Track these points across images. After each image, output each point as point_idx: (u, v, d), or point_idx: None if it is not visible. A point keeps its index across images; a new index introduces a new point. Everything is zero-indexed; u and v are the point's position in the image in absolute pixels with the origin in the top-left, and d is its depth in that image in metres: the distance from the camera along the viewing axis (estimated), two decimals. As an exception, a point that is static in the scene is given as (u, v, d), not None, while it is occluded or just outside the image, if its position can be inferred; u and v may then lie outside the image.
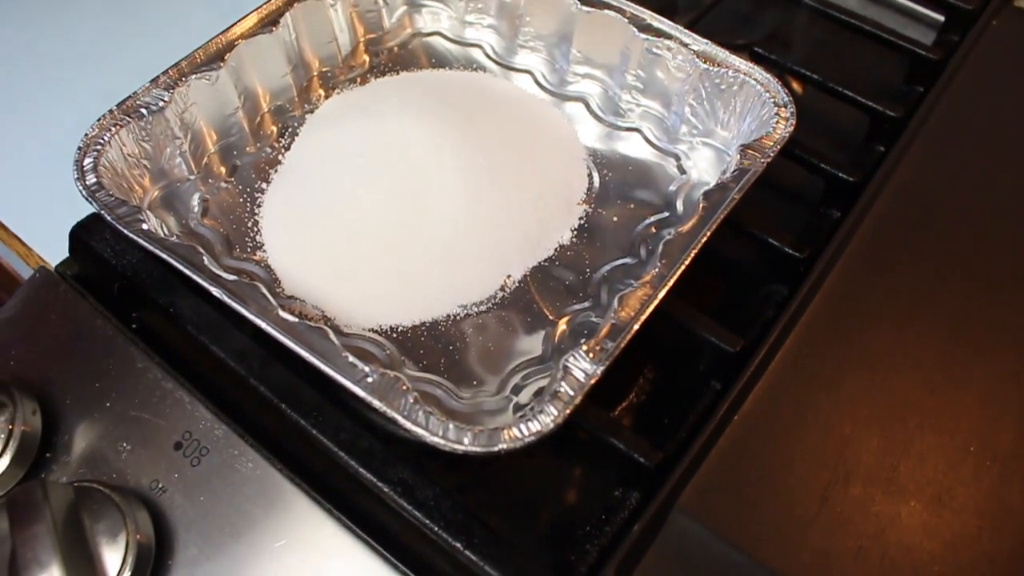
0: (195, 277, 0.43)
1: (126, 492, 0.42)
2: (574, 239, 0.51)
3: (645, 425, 0.48)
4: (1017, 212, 0.53)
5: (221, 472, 0.44)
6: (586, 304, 0.49)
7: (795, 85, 0.65)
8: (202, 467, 0.44)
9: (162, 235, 0.46)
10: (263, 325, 0.41)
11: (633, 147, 0.56)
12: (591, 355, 0.40)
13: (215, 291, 0.42)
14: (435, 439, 0.38)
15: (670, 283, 0.43)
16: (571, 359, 0.40)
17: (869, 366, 0.45)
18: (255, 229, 0.51)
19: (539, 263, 0.50)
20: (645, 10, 0.55)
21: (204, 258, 0.43)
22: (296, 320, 0.41)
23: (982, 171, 0.54)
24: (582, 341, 0.41)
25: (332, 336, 0.41)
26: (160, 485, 0.44)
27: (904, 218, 0.52)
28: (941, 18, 0.68)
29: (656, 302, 0.42)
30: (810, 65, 0.61)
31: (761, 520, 0.41)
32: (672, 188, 0.54)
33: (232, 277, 0.43)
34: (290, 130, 0.55)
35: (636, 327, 0.41)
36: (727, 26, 0.67)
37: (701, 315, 0.47)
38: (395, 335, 0.47)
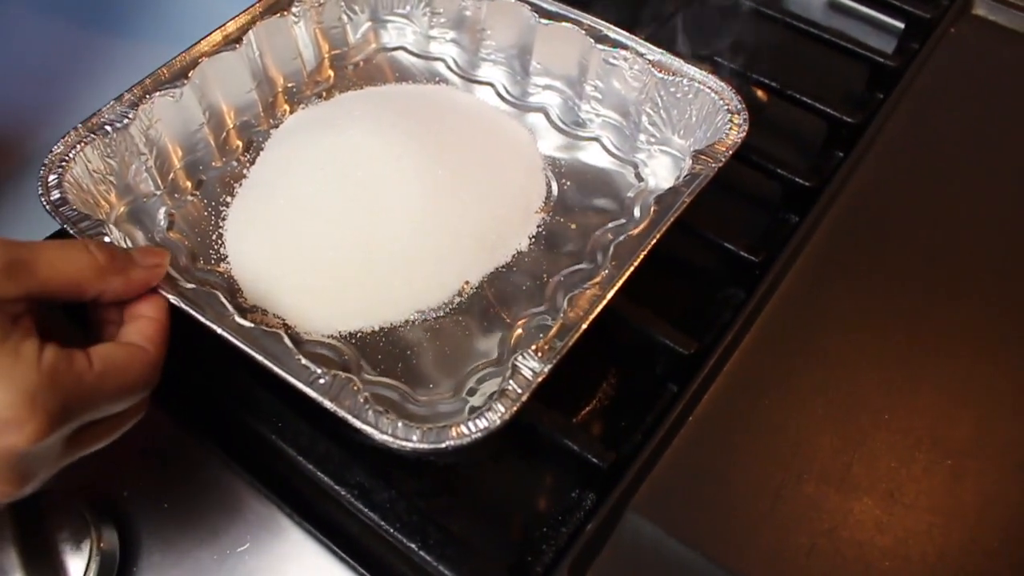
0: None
1: (91, 500, 0.43)
2: (532, 246, 0.52)
3: (607, 429, 0.49)
4: (971, 216, 0.53)
5: (185, 479, 0.45)
6: (542, 308, 0.49)
7: (760, 94, 0.66)
8: (167, 474, 0.46)
9: (126, 247, 0.47)
10: (218, 330, 0.42)
11: (592, 156, 0.57)
12: (539, 354, 0.41)
13: (172, 298, 0.43)
14: (384, 437, 0.38)
15: (619, 283, 0.44)
16: (520, 358, 0.41)
17: (824, 367, 0.46)
18: (219, 242, 0.52)
19: (496, 269, 0.51)
20: (602, 22, 0.57)
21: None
22: (252, 325, 0.42)
23: (938, 175, 0.56)
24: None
25: (286, 340, 0.42)
26: (125, 493, 0.45)
27: (861, 222, 0.53)
28: (902, 26, 0.69)
29: (605, 302, 0.43)
30: (772, 74, 0.62)
31: (715, 519, 0.41)
32: (630, 195, 0.55)
33: (191, 286, 0.44)
34: (255, 144, 0.56)
35: (584, 327, 0.42)
36: (691, 37, 0.68)
37: (656, 318, 0.48)
38: (354, 341, 0.48)
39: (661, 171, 0.56)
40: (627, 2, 0.70)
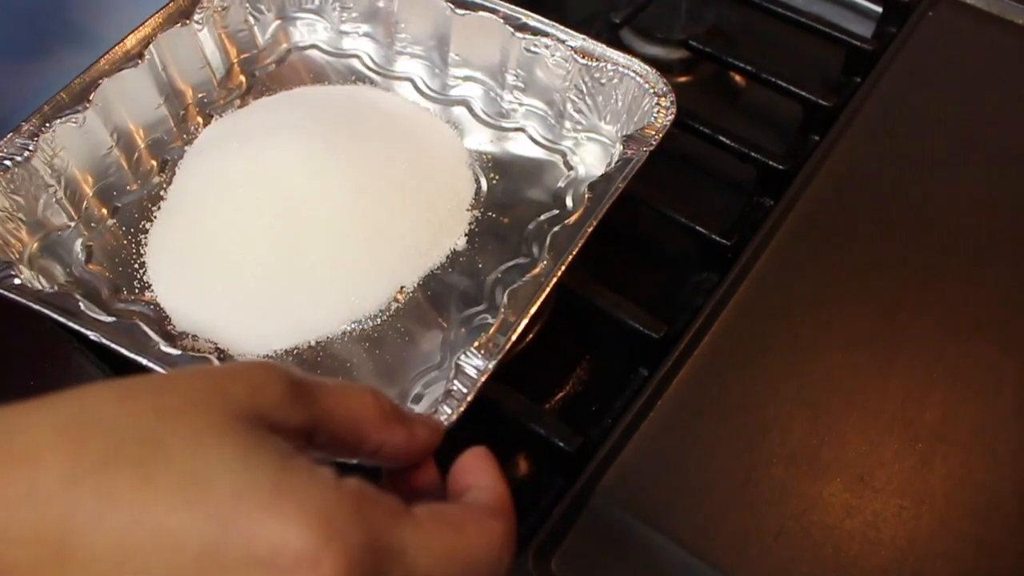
0: (71, 324, 0.41)
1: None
2: (466, 245, 0.51)
3: (578, 414, 0.49)
4: (945, 200, 0.53)
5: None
6: (481, 307, 0.48)
7: (737, 78, 0.66)
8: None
9: (39, 287, 0.45)
10: (144, 362, 0.40)
11: (519, 147, 0.56)
12: (483, 351, 0.40)
13: (92, 335, 0.41)
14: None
15: (558, 273, 0.43)
16: (463, 357, 0.40)
17: (795, 350, 0.45)
18: (142, 269, 0.50)
19: (431, 272, 0.50)
20: (520, 9, 0.55)
21: (80, 304, 0.42)
22: (178, 353, 0.40)
23: (914, 159, 0.55)
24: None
25: (216, 364, 0.40)
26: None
27: (834, 206, 0.52)
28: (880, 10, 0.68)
29: (545, 294, 0.42)
30: (748, 58, 0.61)
31: (683, 503, 0.41)
32: (561, 184, 0.54)
33: (110, 320, 0.42)
34: (170, 163, 0.54)
35: (525, 321, 0.41)
36: (667, 21, 0.67)
37: (627, 302, 0.48)
38: (291, 358, 0.46)
39: (590, 158, 0.55)
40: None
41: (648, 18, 0.66)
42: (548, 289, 0.42)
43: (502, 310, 0.41)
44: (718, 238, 0.51)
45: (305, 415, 0.27)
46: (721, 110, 0.65)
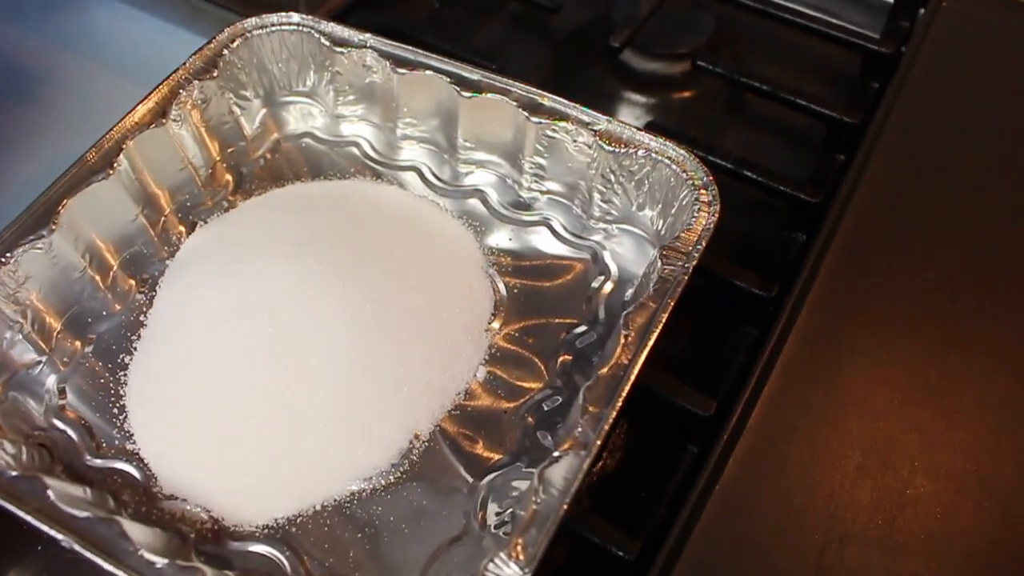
0: (39, 526, 0.36)
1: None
2: (486, 375, 0.45)
3: (620, 497, 0.44)
4: (995, 218, 0.49)
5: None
6: (506, 459, 0.43)
7: (748, 95, 0.62)
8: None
9: (3, 458, 0.39)
10: (122, 576, 0.35)
11: (541, 243, 0.50)
12: (514, 555, 0.35)
13: (64, 542, 0.36)
14: None
15: (594, 451, 0.37)
16: (491, 566, 0.34)
17: (853, 410, 0.42)
18: (122, 415, 0.44)
19: (448, 413, 0.44)
20: (533, 89, 0.49)
21: (50, 492, 0.37)
22: (164, 563, 0.35)
23: (953, 174, 0.51)
24: (503, 525, 0.36)
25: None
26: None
27: (876, 236, 0.48)
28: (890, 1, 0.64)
29: (581, 475, 0.36)
30: (759, 70, 0.57)
31: None
32: (594, 286, 0.48)
33: (85, 514, 0.36)
34: (151, 281, 0.48)
35: (563, 510, 0.35)
36: (667, 35, 0.63)
37: (669, 378, 0.44)
38: (294, 529, 0.41)
39: (624, 252, 0.49)
40: (597, 6, 0.66)
41: (646, 33, 0.62)
42: (584, 469, 0.36)
43: (533, 497, 0.36)
44: (758, 291, 0.47)
45: None
46: (730, 125, 0.61)
